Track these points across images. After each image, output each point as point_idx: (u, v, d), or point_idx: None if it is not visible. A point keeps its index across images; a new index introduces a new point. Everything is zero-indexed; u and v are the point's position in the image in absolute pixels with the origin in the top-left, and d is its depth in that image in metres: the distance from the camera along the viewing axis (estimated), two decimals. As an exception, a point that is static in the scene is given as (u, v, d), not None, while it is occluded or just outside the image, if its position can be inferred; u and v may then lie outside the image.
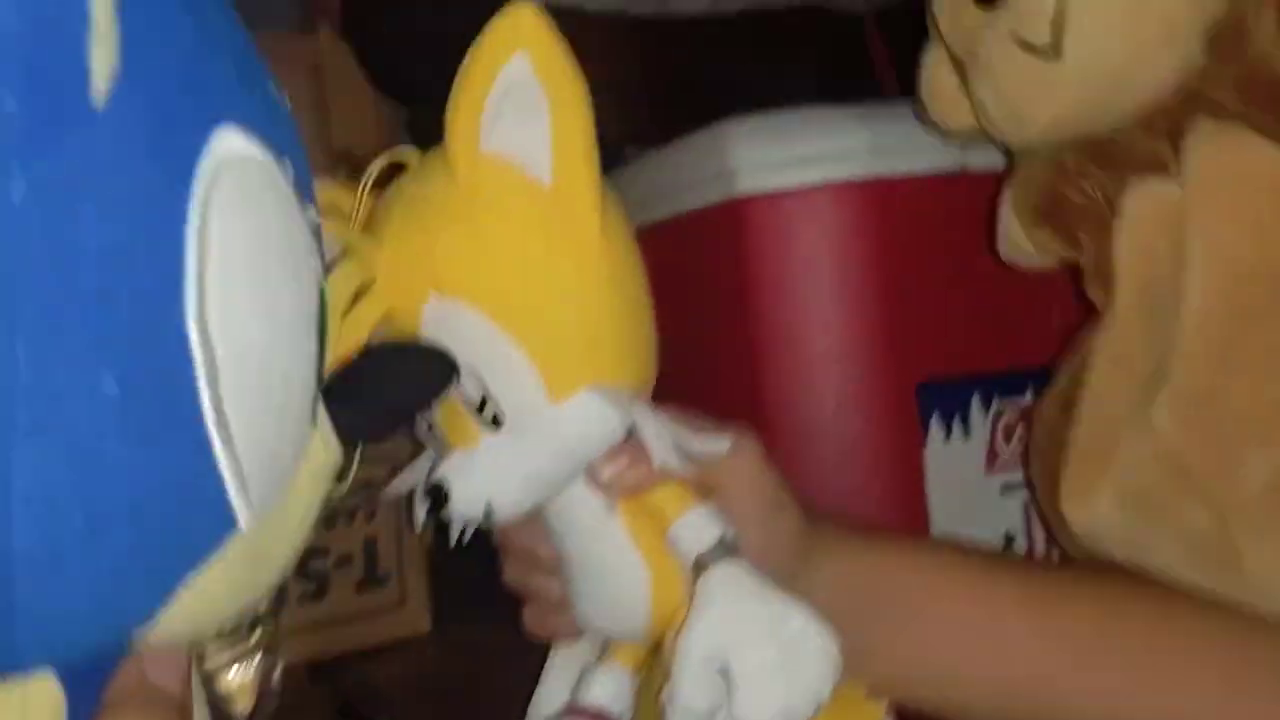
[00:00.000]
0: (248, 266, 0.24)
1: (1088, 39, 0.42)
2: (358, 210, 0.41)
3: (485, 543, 0.46)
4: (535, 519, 0.43)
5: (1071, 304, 0.63)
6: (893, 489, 0.58)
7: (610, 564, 0.41)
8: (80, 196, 0.21)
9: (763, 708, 0.36)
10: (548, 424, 0.38)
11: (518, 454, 0.39)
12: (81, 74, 0.20)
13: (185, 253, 0.22)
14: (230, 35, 0.25)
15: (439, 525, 0.42)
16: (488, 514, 0.39)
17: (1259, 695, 0.41)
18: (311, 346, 0.27)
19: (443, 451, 0.40)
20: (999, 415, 0.61)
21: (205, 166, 0.23)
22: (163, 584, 0.24)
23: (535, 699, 0.45)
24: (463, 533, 0.42)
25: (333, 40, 0.92)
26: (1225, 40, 0.42)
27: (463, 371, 0.37)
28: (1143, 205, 0.45)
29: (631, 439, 0.40)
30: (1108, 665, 0.42)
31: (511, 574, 0.48)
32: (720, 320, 0.60)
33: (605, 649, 0.44)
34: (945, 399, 0.59)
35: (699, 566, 0.39)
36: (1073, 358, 0.50)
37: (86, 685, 0.25)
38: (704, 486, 0.42)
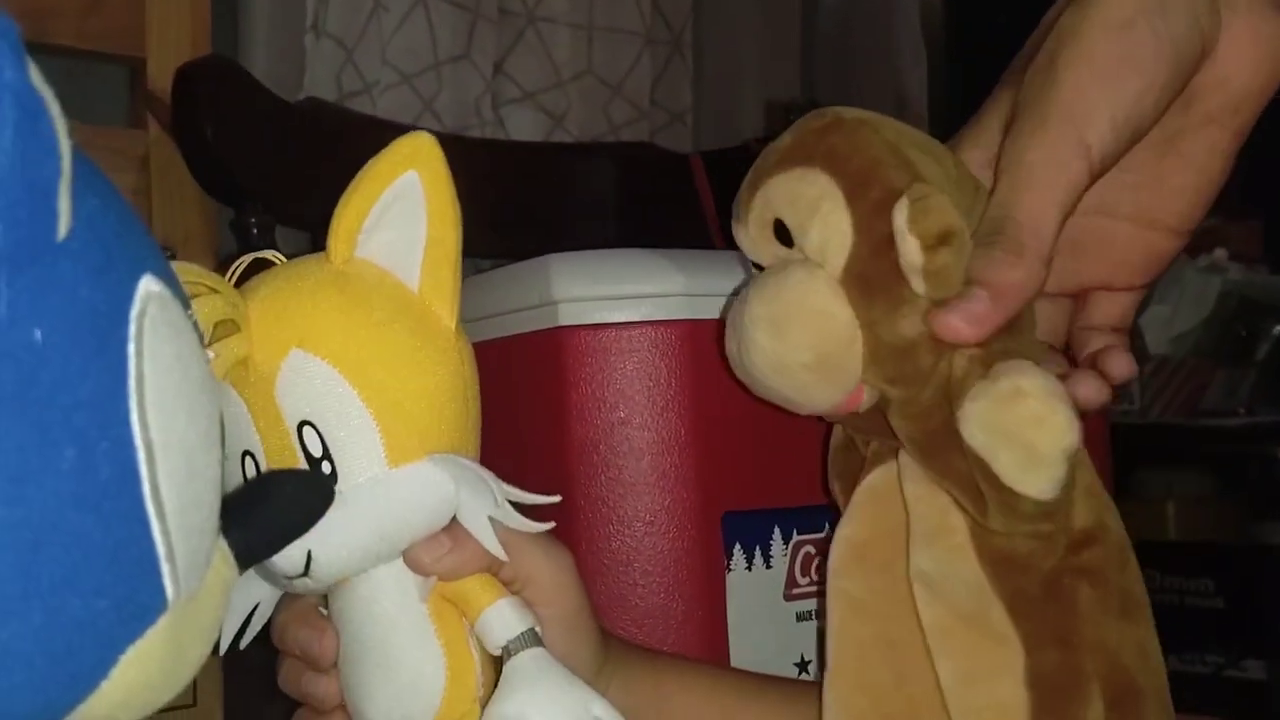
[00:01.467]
0: (174, 375, 0.29)
1: None
2: (233, 275, 0.44)
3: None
4: (317, 612, 0.43)
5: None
6: (695, 612, 0.60)
7: (408, 655, 0.42)
8: (50, 305, 0.26)
9: None
10: (382, 486, 0.40)
11: (348, 512, 0.40)
12: (52, 212, 0.26)
13: (128, 357, 0.28)
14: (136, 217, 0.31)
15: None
16: (308, 566, 0.40)
17: None
18: (218, 454, 0.32)
19: None
20: (799, 547, 0.64)
21: (139, 296, 0.28)
22: (105, 652, 0.28)
23: None
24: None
25: (162, 137, 0.92)
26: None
27: (307, 423, 0.40)
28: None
29: (454, 525, 0.42)
30: None
31: (286, 677, 0.46)
32: (537, 444, 0.62)
33: None
34: (748, 529, 0.62)
35: (507, 653, 0.41)
36: None
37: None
38: (512, 583, 0.43)
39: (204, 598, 0.32)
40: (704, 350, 0.61)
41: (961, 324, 0.41)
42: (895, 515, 0.46)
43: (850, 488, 0.50)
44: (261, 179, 0.92)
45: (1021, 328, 0.45)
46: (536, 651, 0.41)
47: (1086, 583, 0.44)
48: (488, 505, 0.41)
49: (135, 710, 0.29)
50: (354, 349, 0.41)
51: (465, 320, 0.69)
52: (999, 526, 0.42)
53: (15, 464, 0.25)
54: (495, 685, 0.41)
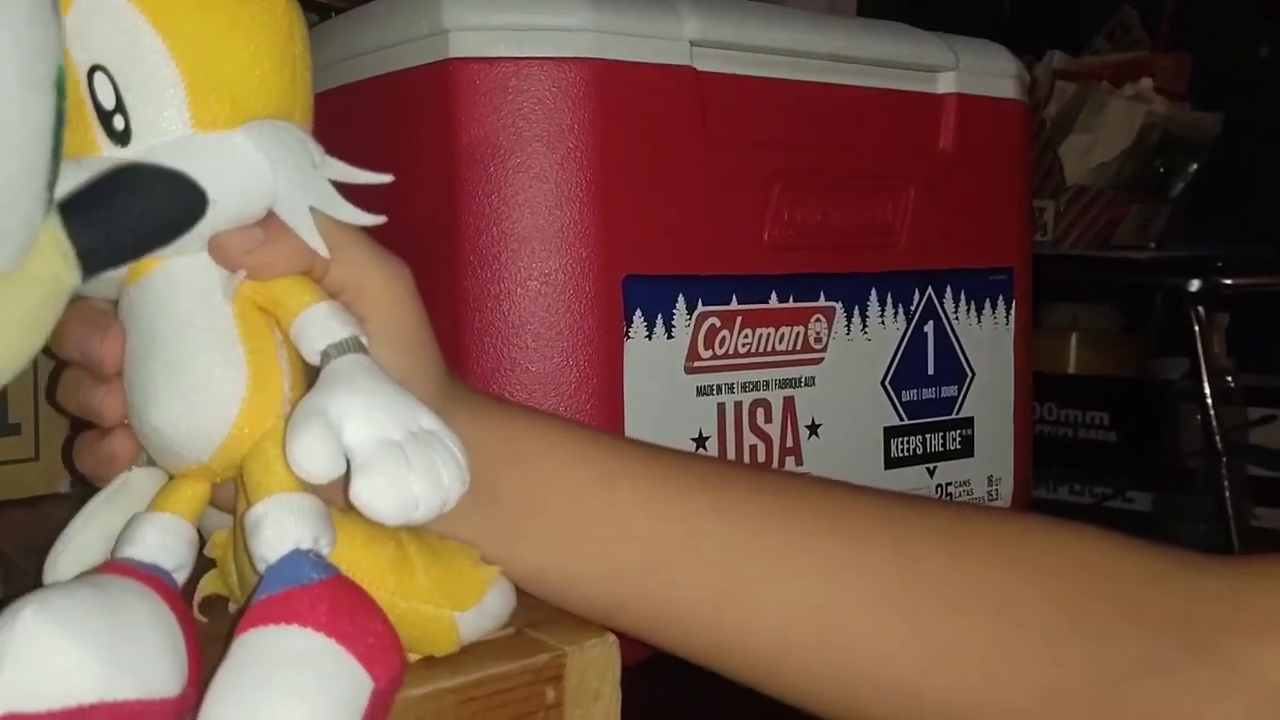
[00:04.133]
0: None
1: None
2: None
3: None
4: (102, 311, 0.37)
5: (783, 220, 0.63)
6: (590, 379, 0.57)
7: (202, 357, 0.35)
8: None
9: (383, 491, 0.33)
10: (183, 151, 0.34)
11: None
12: None
13: None
14: None
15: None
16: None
17: None
18: (43, 93, 0.28)
19: None
20: (703, 318, 0.60)
21: None
22: None
23: (54, 554, 0.38)
24: None
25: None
26: None
27: (99, 68, 0.34)
28: None
29: (271, 217, 0.36)
30: (717, 564, 0.41)
31: (64, 389, 0.40)
32: (424, 192, 0.57)
33: (159, 491, 0.38)
34: (651, 295, 0.58)
35: (325, 358, 0.35)
36: None
37: None
38: (339, 293, 0.38)
39: (21, 282, 0.28)
40: (612, 94, 0.56)
41: None
42: None
43: None
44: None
45: None
46: (360, 357, 0.36)
47: None
48: (312, 194, 0.35)
49: None
50: None
51: (350, 55, 0.62)
52: None
53: None
54: None
